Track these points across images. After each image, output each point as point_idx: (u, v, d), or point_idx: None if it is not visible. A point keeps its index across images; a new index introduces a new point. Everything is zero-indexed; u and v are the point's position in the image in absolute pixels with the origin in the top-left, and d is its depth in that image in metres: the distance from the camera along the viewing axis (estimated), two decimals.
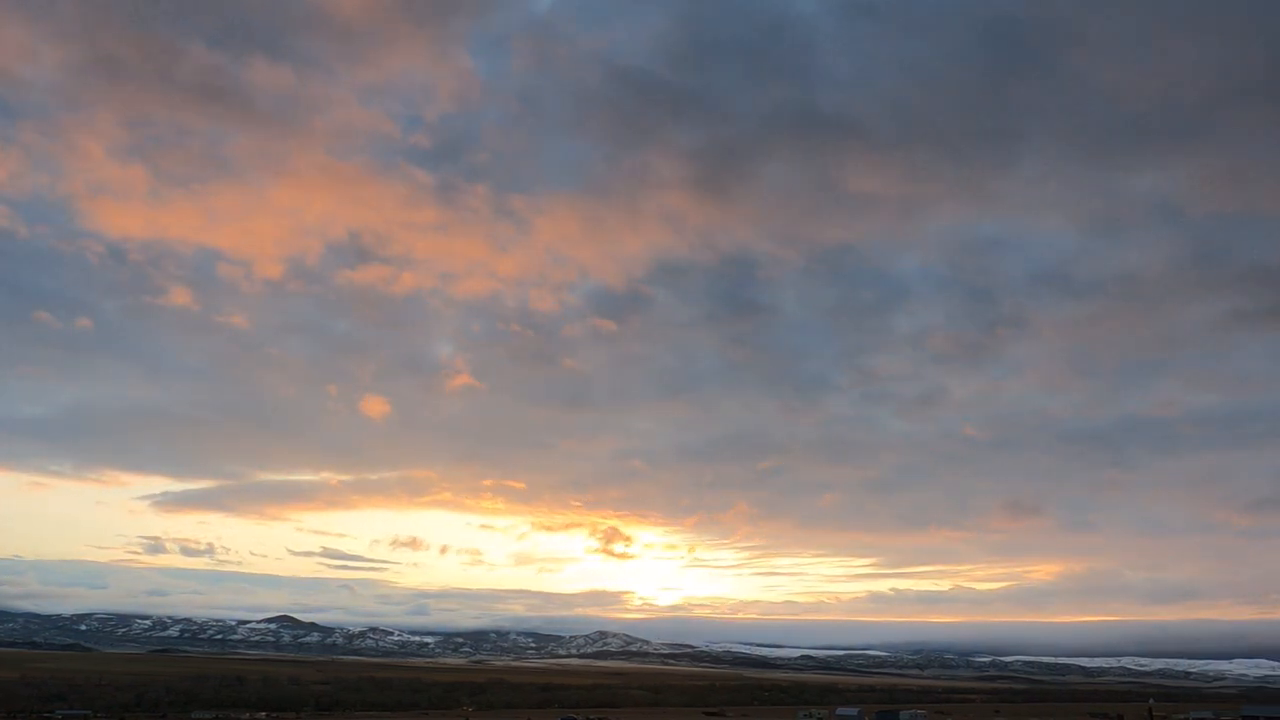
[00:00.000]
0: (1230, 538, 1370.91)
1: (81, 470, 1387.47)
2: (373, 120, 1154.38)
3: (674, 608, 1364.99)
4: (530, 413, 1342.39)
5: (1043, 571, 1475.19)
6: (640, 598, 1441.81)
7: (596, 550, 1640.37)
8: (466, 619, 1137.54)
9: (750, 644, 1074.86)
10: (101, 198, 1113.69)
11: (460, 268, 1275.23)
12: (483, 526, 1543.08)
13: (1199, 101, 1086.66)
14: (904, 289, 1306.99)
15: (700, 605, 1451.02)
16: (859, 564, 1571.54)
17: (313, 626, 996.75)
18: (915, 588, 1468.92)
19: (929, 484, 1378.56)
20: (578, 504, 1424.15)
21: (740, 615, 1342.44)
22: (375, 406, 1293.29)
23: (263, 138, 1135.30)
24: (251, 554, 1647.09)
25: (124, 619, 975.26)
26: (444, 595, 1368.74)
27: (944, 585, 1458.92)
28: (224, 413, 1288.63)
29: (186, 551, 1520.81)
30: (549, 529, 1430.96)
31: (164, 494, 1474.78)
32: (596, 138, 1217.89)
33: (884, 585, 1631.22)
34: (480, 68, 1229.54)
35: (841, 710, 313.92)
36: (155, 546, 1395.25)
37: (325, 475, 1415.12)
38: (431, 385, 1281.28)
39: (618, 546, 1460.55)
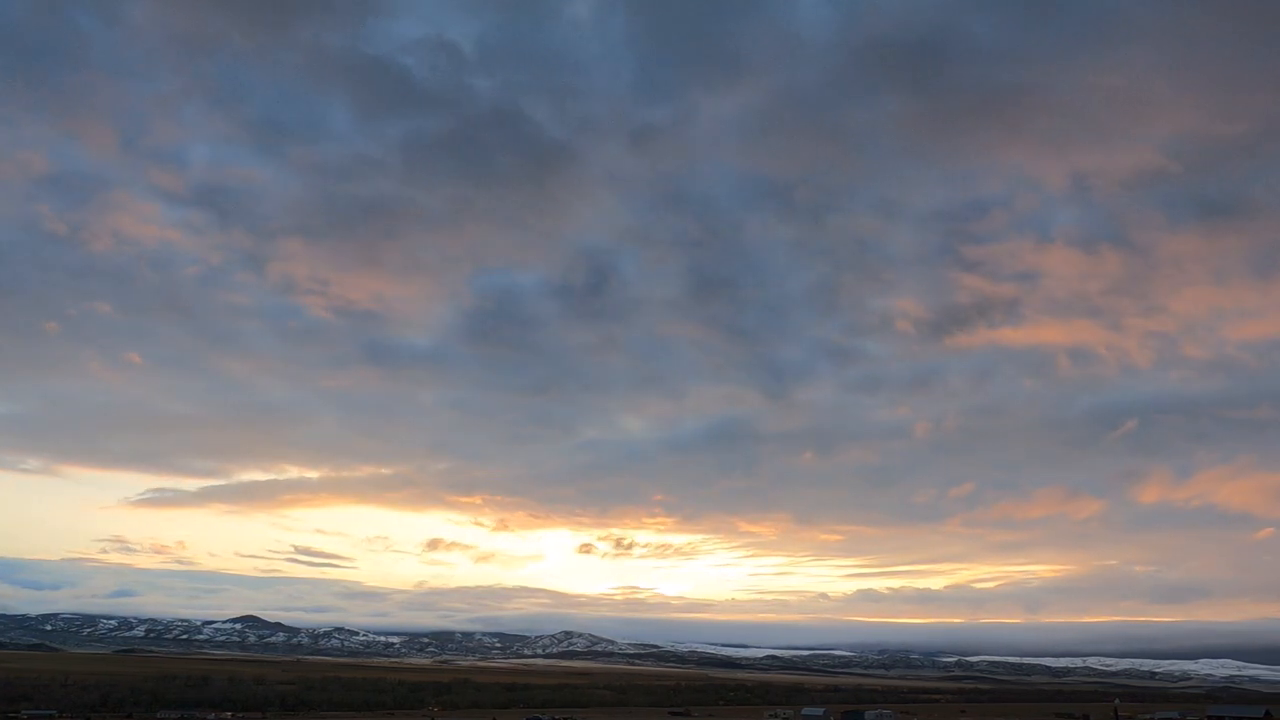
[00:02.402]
0: (1241, 533, 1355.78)
1: (49, 468, 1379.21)
2: None
3: (643, 606, 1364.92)
4: (504, 406, 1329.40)
5: (1042, 570, 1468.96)
6: (609, 596, 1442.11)
7: (565, 548, 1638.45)
8: (432, 618, 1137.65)
9: (715, 644, 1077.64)
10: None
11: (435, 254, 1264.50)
12: (450, 523, 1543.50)
13: None
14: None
15: (672, 604, 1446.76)
16: (842, 563, 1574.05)
17: (278, 626, 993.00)
18: (910, 586, 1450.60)
19: (921, 477, 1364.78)
20: (546, 501, 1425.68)
21: (712, 615, 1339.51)
22: (347, 401, 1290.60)
23: None
24: (218, 553, 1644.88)
25: (90, 619, 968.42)
26: (410, 594, 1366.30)
27: (938, 584, 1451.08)
28: (193, 410, 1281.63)
29: (154, 550, 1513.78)
30: (517, 526, 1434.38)
31: (132, 492, 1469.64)
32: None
33: (863, 584, 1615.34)
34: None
35: (807, 710, 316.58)
36: (122, 545, 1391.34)
37: (294, 473, 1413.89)
38: (405, 379, 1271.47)
39: (588, 544, 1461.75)
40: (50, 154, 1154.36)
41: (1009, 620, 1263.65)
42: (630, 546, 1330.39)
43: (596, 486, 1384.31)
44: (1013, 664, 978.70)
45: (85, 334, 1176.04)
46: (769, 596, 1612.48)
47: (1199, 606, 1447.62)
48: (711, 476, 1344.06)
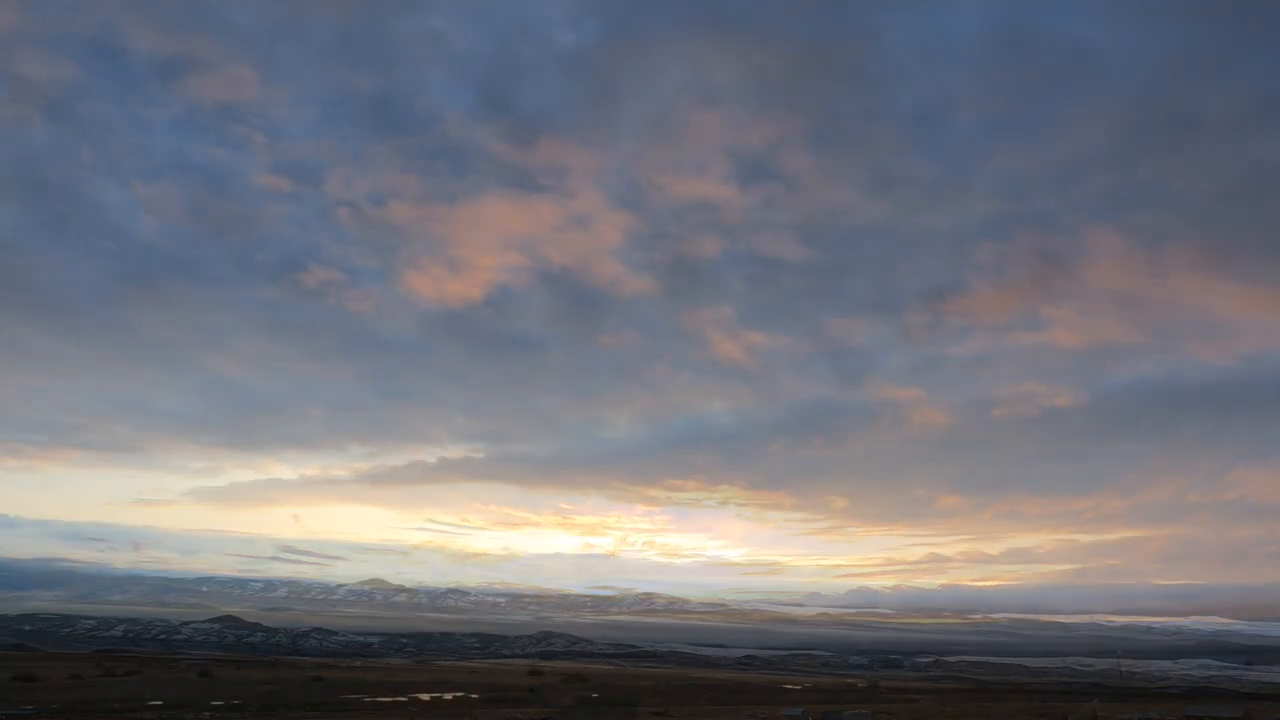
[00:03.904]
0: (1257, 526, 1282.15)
1: (30, 465, 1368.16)
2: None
3: (627, 606, 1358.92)
4: (491, 400, 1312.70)
5: (1044, 569, 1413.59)
6: (593, 596, 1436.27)
7: (551, 546, 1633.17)
8: (412, 618, 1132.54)
9: (695, 644, 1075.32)
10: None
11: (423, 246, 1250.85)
12: (435, 521, 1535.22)
13: None
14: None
15: (657, 603, 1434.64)
16: (836, 561, 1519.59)
17: (257, 626, 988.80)
18: (907, 585, 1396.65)
19: (921, 473, 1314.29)
20: (534, 498, 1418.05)
21: (701, 615, 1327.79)
22: (333, 397, 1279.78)
23: None
24: (199, 551, 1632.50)
25: (68, 619, 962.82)
26: (392, 593, 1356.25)
27: (934, 584, 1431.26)
28: (176, 405, 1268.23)
29: (133, 549, 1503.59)
30: (502, 524, 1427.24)
31: (114, 490, 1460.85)
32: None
33: (858, 583, 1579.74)
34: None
35: (787, 710, 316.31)
36: (104, 544, 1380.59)
37: (278, 470, 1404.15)
38: (388, 372, 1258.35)
39: (573, 542, 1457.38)
40: (28, 139, 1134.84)
41: (1004, 619, 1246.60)
42: (618, 545, 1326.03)
43: (586, 483, 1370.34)
44: (992, 664, 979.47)
45: (68, 327, 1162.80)
46: (761, 596, 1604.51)
47: (1201, 606, 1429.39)
48: (704, 472, 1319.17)
